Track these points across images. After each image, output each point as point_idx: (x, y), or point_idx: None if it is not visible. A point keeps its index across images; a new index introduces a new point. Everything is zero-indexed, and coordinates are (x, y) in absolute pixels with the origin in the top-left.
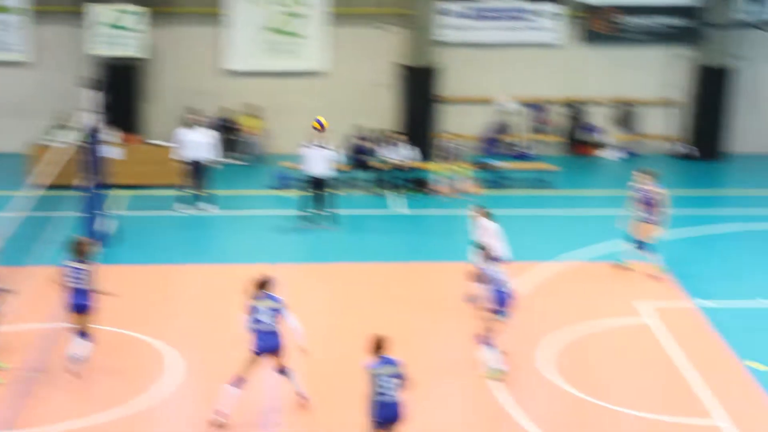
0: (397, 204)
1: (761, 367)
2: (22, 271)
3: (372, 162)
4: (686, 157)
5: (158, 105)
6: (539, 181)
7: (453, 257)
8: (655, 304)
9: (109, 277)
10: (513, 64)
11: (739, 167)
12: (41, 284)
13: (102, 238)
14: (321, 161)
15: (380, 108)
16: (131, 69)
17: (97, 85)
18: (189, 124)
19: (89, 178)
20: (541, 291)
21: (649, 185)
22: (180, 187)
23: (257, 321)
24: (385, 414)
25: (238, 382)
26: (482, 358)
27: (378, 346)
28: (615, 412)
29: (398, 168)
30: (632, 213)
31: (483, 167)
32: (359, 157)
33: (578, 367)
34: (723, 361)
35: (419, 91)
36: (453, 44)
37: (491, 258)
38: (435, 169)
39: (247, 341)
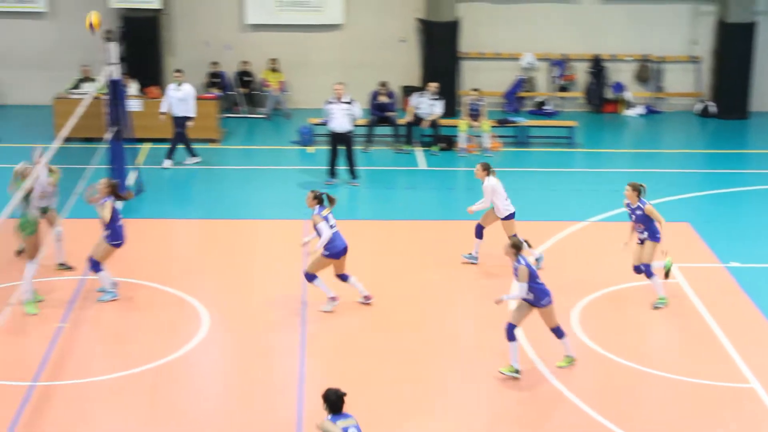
0: (419, 160)
1: None
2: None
3: (394, 117)
4: (709, 115)
5: (180, 58)
6: (562, 138)
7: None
8: (684, 265)
9: (130, 230)
10: (535, 19)
11: (762, 125)
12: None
13: (126, 190)
14: (343, 116)
15: (400, 63)
16: (151, 21)
17: (117, 37)
18: (176, 80)
19: (112, 130)
20: (567, 252)
21: (634, 201)
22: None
23: (332, 226)
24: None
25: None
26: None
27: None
28: (651, 375)
29: (421, 123)
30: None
31: (505, 124)
32: (380, 112)
33: (612, 330)
34: (754, 323)
35: (440, 47)
36: None
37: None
38: (457, 125)
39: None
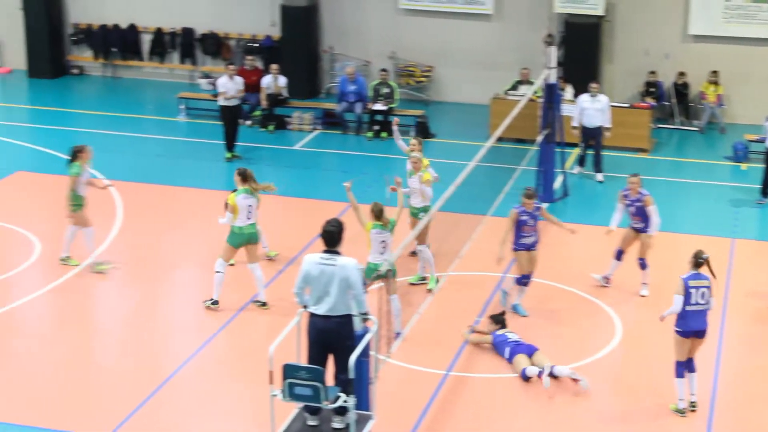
0: None
1: None
2: (472, 218)
3: None
4: None
5: (618, 65)
6: None
7: None
8: None
9: (552, 234)
10: None
11: None
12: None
13: (553, 193)
14: None
15: None
16: (593, 27)
17: (558, 42)
18: (593, 91)
19: (544, 133)
20: None
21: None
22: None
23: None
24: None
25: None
26: None
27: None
28: None
29: None
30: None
31: None
32: None
33: None
34: None
35: None
36: None
37: None
38: None
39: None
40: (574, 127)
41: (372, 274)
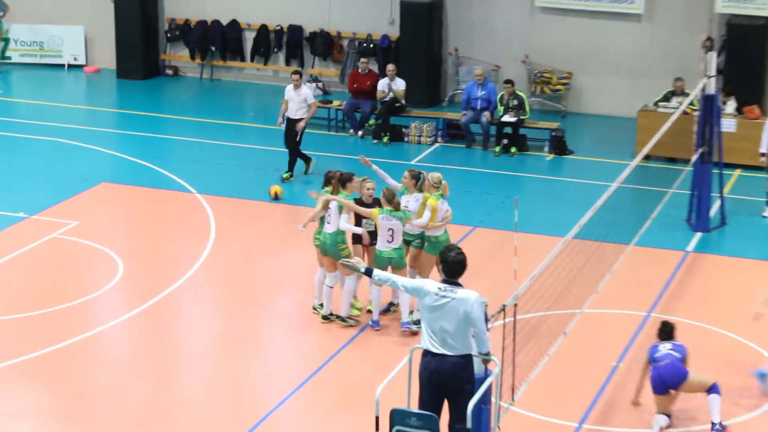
0: None
1: None
2: (612, 248)
3: None
4: None
5: None
6: None
7: None
8: None
9: (701, 266)
10: None
11: None
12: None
13: (708, 221)
14: None
15: None
16: (760, 30)
17: (718, 47)
18: None
19: (701, 152)
20: None
21: None
22: None
23: None
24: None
25: None
26: None
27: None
28: None
29: None
30: None
31: None
32: None
33: None
34: None
35: None
36: None
37: None
38: None
39: None
40: (762, 154)
41: (380, 262)
